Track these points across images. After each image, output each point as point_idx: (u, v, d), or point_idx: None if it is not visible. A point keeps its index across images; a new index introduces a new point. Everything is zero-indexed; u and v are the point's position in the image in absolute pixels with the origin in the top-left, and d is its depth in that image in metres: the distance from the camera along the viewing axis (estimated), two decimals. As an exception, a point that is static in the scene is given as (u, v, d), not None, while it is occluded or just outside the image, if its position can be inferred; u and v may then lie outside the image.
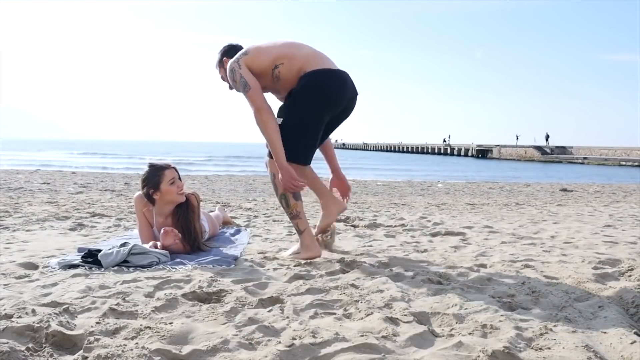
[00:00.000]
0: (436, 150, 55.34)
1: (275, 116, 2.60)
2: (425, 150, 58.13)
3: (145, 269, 2.41)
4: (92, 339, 1.47)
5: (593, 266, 2.55)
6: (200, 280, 2.14)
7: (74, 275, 2.25)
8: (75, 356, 1.39)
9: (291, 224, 2.79)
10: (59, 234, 3.52)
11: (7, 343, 1.40)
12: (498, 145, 44.53)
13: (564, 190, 10.09)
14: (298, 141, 2.60)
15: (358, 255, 2.81)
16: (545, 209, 6.00)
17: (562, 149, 40.31)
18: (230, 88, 2.75)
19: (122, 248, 2.50)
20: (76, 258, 2.51)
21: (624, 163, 30.80)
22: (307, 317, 1.73)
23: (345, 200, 3.04)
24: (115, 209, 5.00)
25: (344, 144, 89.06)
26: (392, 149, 69.28)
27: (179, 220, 2.88)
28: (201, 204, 3.25)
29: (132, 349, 1.40)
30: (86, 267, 2.40)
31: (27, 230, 3.59)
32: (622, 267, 2.51)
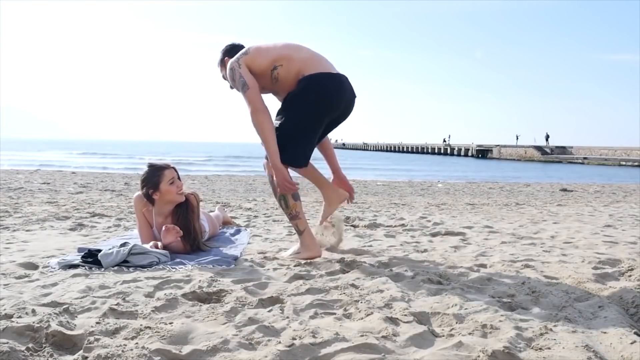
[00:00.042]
0: (436, 150, 55.35)
1: (273, 118, 2.61)
2: (425, 150, 58.14)
3: (145, 269, 2.41)
4: (92, 339, 1.47)
5: (593, 266, 2.55)
6: (200, 280, 2.14)
7: (74, 275, 2.25)
8: (75, 356, 1.39)
9: (291, 224, 2.79)
10: (59, 234, 3.52)
11: (7, 343, 1.40)
12: (498, 145, 44.54)
13: (564, 190, 10.10)
14: (296, 143, 2.61)
15: (358, 255, 2.81)
16: (545, 209, 6.00)
17: (562, 149, 40.31)
18: (231, 87, 2.76)
19: (122, 248, 2.50)
20: (76, 258, 2.51)
21: (624, 163, 30.80)
22: (307, 317, 1.73)
23: (349, 202, 3.06)
24: (115, 209, 5.00)
25: (344, 144, 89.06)
26: (392, 149, 69.30)
27: (178, 220, 2.88)
28: (201, 204, 3.25)
29: (132, 349, 1.40)
30: (86, 267, 2.40)
31: (27, 230, 3.59)
32: (622, 267, 2.52)
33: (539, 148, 40.55)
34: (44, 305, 1.78)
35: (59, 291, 1.99)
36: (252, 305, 1.85)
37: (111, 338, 1.50)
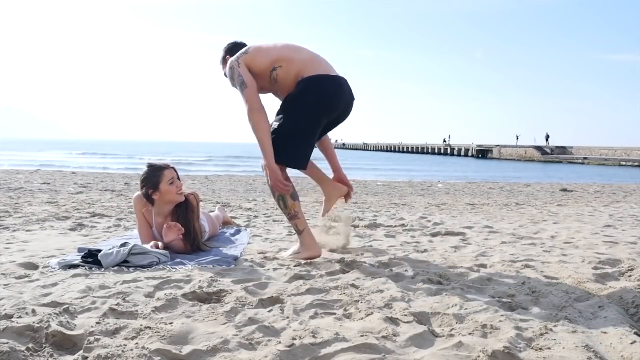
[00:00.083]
0: (436, 150, 55.35)
1: (272, 118, 2.62)
2: (425, 150, 58.14)
3: (145, 269, 2.41)
4: (92, 339, 1.47)
5: (593, 266, 2.55)
6: (200, 280, 2.14)
7: (74, 275, 2.25)
8: (75, 356, 1.39)
9: (290, 224, 2.80)
10: (59, 234, 3.52)
11: (7, 343, 1.40)
12: (498, 145, 44.53)
13: (564, 190, 10.09)
14: (296, 144, 2.62)
15: (358, 255, 2.81)
16: (545, 209, 6.00)
17: (562, 149, 40.30)
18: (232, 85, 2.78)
19: (122, 248, 2.50)
20: (76, 258, 2.51)
21: (624, 163, 30.80)
22: (307, 317, 1.73)
23: (346, 200, 3.07)
24: (115, 209, 5.00)
25: (344, 144, 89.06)
26: (392, 149, 69.29)
27: (178, 220, 2.88)
28: (201, 204, 3.25)
29: (132, 349, 1.40)
30: (86, 267, 2.40)
31: (27, 230, 3.59)
32: (622, 267, 2.52)
33: (539, 148, 40.55)
34: (44, 305, 1.78)
35: (59, 291, 1.99)
36: (252, 305, 1.85)
37: (111, 338, 1.50)
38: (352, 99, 2.74)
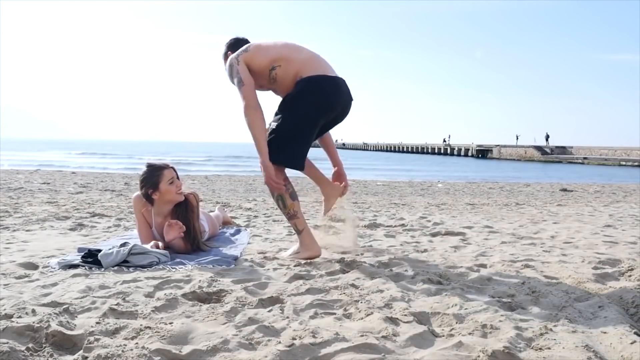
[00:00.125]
0: (436, 150, 55.35)
1: (270, 118, 2.65)
2: (425, 150, 58.14)
3: (145, 269, 2.41)
4: (92, 339, 1.47)
5: (593, 266, 2.55)
6: (200, 280, 2.14)
7: (74, 275, 2.25)
8: (75, 356, 1.39)
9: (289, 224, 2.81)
10: (59, 234, 3.52)
11: (7, 343, 1.40)
12: (498, 145, 44.53)
13: (564, 190, 10.09)
14: (294, 144, 2.63)
15: (358, 255, 2.81)
16: (545, 209, 6.00)
17: (562, 149, 40.30)
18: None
19: (122, 248, 2.50)
20: (76, 258, 2.51)
21: (624, 163, 30.79)
22: (307, 317, 1.73)
23: (341, 195, 3.09)
24: (115, 209, 5.00)
25: (344, 144, 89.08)
26: (392, 149, 69.30)
27: (177, 220, 2.88)
28: (201, 204, 3.25)
29: (132, 349, 1.40)
30: (86, 267, 2.40)
31: (27, 230, 3.59)
32: (622, 267, 2.52)
33: (539, 148, 40.54)
34: (44, 305, 1.78)
35: (59, 291, 1.99)
36: (252, 305, 1.85)
37: (111, 338, 1.50)
38: (350, 99, 2.75)
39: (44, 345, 1.45)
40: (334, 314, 1.79)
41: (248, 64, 2.60)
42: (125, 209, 4.99)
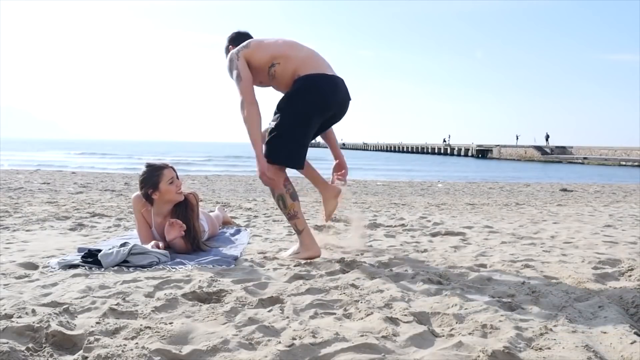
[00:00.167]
0: (436, 150, 55.35)
1: (270, 117, 2.65)
2: (425, 150, 58.14)
3: (145, 269, 2.41)
4: (92, 339, 1.47)
5: (593, 266, 2.55)
6: (200, 280, 2.14)
7: (74, 275, 2.25)
8: (75, 356, 1.39)
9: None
10: (59, 234, 3.52)
11: (7, 343, 1.40)
12: (498, 145, 44.53)
13: (564, 190, 10.09)
14: (293, 143, 2.63)
15: (358, 255, 2.81)
16: (545, 209, 6.00)
17: (562, 149, 40.29)
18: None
19: (122, 248, 2.50)
20: (76, 258, 2.51)
21: (624, 163, 30.79)
22: (307, 317, 1.73)
23: (342, 182, 3.09)
24: (115, 209, 5.00)
25: (344, 144, 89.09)
26: (392, 149, 69.30)
27: (177, 219, 2.88)
28: (201, 204, 3.25)
29: (132, 349, 1.40)
30: (86, 267, 2.40)
31: (27, 230, 3.59)
32: (622, 267, 2.52)
33: (539, 148, 40.54)
34: (44, 305, 1.78)
35: (59, 291, 1.99)
36: (252, 305, 1.85)
37: (111, 338, 1.50)
38: (348, 98, 2.76)
39: (44, 345, 1.45)
40: (334, 314, 1.79)
41: (248, 60, 2.62)
42: (125, 209, 4.99)
